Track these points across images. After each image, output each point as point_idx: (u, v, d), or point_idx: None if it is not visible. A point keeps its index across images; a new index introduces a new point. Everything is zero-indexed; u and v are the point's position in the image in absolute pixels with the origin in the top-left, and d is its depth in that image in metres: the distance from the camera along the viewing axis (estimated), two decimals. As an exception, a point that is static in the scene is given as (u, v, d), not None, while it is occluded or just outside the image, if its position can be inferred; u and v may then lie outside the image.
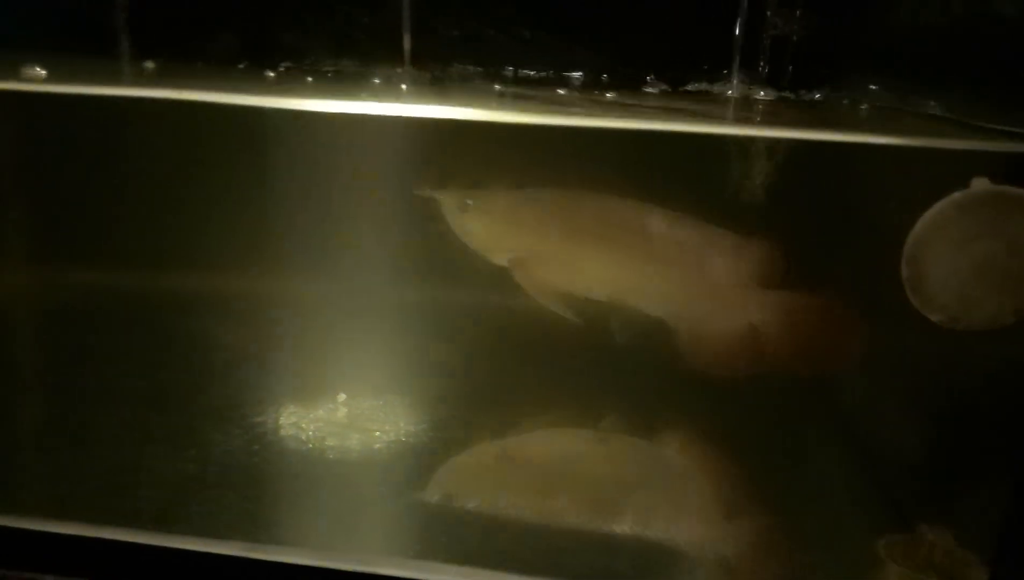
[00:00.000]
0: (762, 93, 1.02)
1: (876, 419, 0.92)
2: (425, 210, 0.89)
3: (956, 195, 0.63)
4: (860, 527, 0.80)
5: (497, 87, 0.98)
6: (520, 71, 1.04)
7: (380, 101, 0.88)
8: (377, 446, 0.89)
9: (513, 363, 1.04)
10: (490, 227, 0.88)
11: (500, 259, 0.89)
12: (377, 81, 1.00)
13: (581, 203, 0.89)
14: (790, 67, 1.03)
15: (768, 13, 1.04)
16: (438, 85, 1.00)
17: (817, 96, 1.02)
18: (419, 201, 0.90)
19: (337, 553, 0.69)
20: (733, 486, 0.85)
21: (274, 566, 0.68)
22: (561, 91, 0.98)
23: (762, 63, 1.04)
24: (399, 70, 1.03)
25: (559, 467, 0.90)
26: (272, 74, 1.00)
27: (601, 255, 0.87)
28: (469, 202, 0.87)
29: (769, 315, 0.84)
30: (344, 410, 0.96)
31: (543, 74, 1.04)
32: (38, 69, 0.85)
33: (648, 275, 0.87)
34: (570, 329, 1.01)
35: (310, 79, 0.99)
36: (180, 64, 1.04)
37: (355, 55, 1.08)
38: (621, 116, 0.84)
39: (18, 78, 0.84)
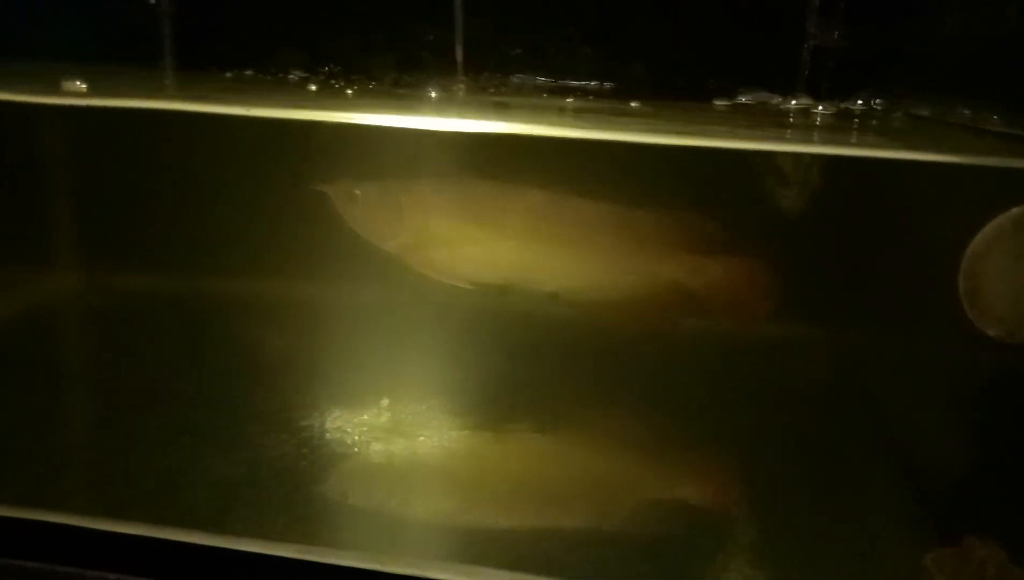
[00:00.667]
0: (793, 102, 1.02)
1: (923, 430, 0.92)
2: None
3: (1014, 210, 0.63)
4: (908, 541, 0.79)
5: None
6: (563, 81, 1.05)
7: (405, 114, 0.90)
8: (422, 451, 0.90)
9: (556, 369, 1.05)
10: (378, 216, 0.93)
11: (391, 246, 0.93)
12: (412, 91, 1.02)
13: (463, 189, 0.95)
14: (829, 77, 1.04)
15: (808, 23, 1.04)
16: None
17: (856, 105, 1.02)
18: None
19: (386, 556, 0.70)
20: (775, 500, 0.85)
21: (326, 568, 0.69)
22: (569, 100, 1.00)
23: (802, 73, 1.04)
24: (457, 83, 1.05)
25: (602, 472, 0.90)
26: (314, 87, 1.01)
27: (486, 237, 0.93)
28: (357, 193, 0.92)
29: (667, 281, 0.92)
30: (388, 415, 0.97)
31: (584, 83, 1.05)
32: (79, 83, 0.87)
33: (536, 253, 0.93)
34: (616, 336, 1.02)
35: (350, 91, 1.00)
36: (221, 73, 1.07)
37: (405, 67, 1.09)
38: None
39: (60, 92, 0.87)
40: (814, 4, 1.04)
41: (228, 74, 1.06)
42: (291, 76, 1.07)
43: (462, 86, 1.04)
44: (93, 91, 0.87)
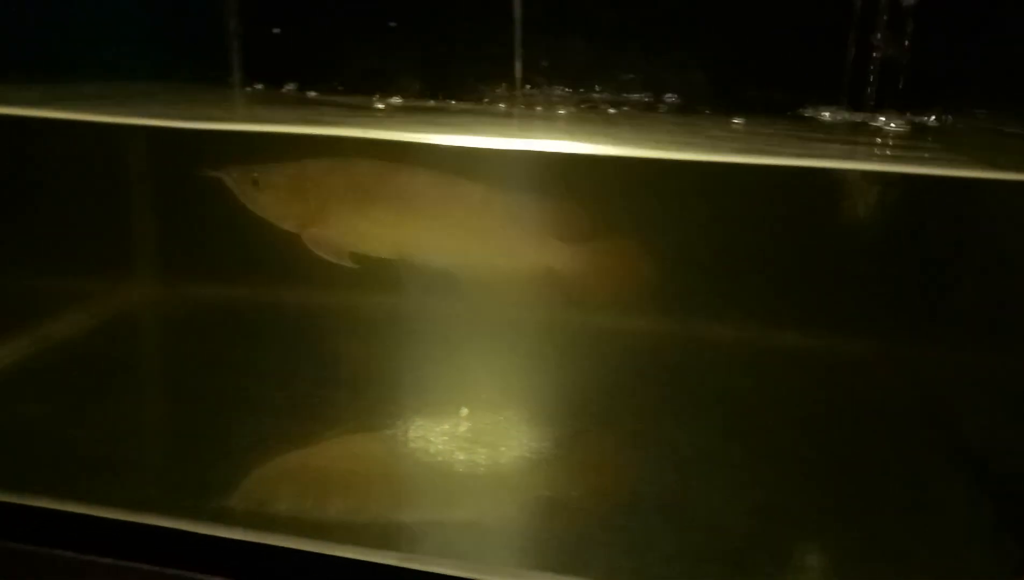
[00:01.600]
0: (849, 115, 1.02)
1: (1009, 453, 0.91)
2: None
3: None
4: (995, 569, 0.78)
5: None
6: (626, 94, 1.06)
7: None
8: (503, 460, 0.91)
9: (631, 382, 1.06)
10: (278, 198, 0.97)
11: (291, 226, 0.98)
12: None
13: (358, 170, 0.99)
14: (898, 91, 1.04)
15: (876, 36, 1.04)
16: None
17: (929, 120, 1.02)
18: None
19: (483, 565, 0.72)
20: (856, 520, 0.85)
21: (427, 576, 0.70)
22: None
23: (870, 87, 1.04)
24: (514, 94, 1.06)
25: (680, 485, 0.91)
26: (382, 106, 1.03)
27: (381, 216, 0.99)
28: (256, 176, 0.96)
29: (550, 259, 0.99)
30: (467, 424, 0.98)
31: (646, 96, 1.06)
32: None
33: (427, 231, 0.99)
34: (692, 349, 1.03)
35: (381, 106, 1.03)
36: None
37: (464, 81, 1.11)
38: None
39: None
40: (883, 19, 1.04)
41: (289, 86, 1.09)
42: (356, 93, 1.10)
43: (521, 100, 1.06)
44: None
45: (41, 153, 1.12)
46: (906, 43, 1.03)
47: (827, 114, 1.01)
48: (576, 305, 1.04)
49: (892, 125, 0.98)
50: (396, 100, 1.03)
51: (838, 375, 1.09)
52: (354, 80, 1.14)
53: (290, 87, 1.09)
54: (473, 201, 1.00)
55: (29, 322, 1.11)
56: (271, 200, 0.97)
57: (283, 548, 0.73)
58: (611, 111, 1.02)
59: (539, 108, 1.04)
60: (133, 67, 1.18)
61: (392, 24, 1.11)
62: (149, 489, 0.83)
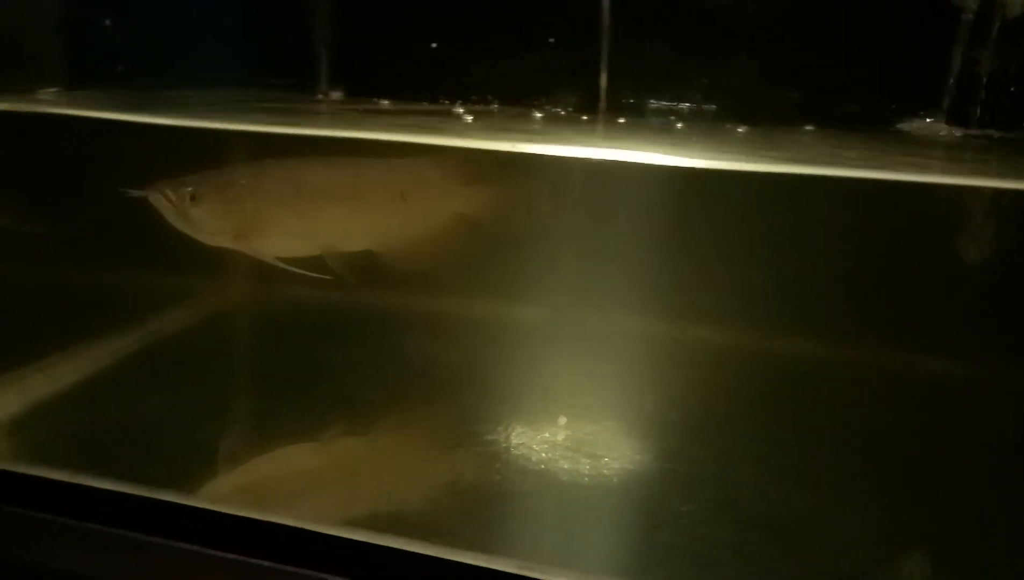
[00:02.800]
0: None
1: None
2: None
3: None
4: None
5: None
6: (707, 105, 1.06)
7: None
8: (606, 471, 0.91)
9: (724, 394, 1.05)
10: (215, 211, 0.93)
11: (226, 240, 0.94)
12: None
13: (276, 171, 0.98)
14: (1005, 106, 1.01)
15: (960, 50, 1.02)
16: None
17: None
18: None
19: (593, 577, 0.71)
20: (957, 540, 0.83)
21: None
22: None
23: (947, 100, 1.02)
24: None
25: (780, 500, 0.90)
26: (466, 114, 1.04)
27: (306, 212, 0.99)
28: (191, 190, 0.91)
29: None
30: (566, 433, 0.98)
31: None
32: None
33: (347, 218, 1.00)
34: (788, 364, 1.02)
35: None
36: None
37: (550, 92, 1.11)
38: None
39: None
40: (992, 29, 1.02)
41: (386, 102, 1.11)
42: (442, 103, 1.11)
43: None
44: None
45: (146, 156, 1.14)
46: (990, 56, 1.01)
47: (904, 126, 0.99)
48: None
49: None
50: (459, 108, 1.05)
51: (938, 393, 1.07)
52: (441, 90, 1.15)
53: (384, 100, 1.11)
54: (377, 175, 1.03)
55: (136, 318, 1.14)
56: (209, 214, 0.92)
57: (395, 549, 0.74)
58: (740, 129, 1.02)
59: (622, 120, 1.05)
60: (222, 74, 1.21)
61: (479, 35, 1.12)
62: (253, 484, 0.85)
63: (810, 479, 0.92)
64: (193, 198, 0.90)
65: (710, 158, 0.89)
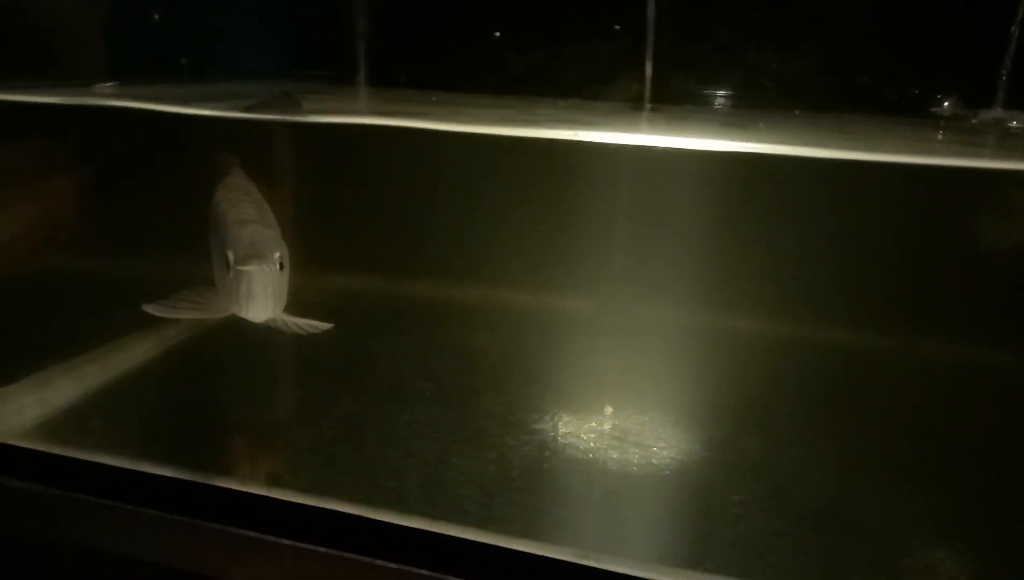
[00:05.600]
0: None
1: None
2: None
3: None
4: None
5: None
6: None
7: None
8: (655, 461, 0.91)
9: (769, 386, 1.05)
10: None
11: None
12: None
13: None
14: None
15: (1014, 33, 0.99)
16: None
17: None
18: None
19: (648, 565, 0.72)
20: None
21: (606, 575, 0.70)
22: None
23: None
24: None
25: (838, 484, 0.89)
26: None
27: None
28: (278, 256, 0.73)
29: None
30: (613, 422, 0.99)
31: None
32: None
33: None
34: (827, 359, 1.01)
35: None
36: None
37: (593, 81, 1.10)
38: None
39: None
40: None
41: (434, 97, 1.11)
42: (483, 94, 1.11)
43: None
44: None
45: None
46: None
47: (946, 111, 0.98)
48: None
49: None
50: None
51: (985, 383, 1.05)
52: (479, 80, 1.15)
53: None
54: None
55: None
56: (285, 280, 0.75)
57: (447, 536, 0.75)
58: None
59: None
60: (264, 67, 1.22)
61: (517, 26, 1.12)
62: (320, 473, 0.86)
63: (858, 468, 0.92)
64: (281, 266, 0.72)
65: (766, 143, 0.88)
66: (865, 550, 0.78)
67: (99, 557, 0.80)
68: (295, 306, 0.76)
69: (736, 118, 1.02)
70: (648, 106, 1.05)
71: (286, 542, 0.74)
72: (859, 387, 1.03)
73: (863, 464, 0.93)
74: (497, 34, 1.12)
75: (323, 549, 0.73)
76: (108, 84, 1.06)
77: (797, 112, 1.04)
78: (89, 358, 1.04)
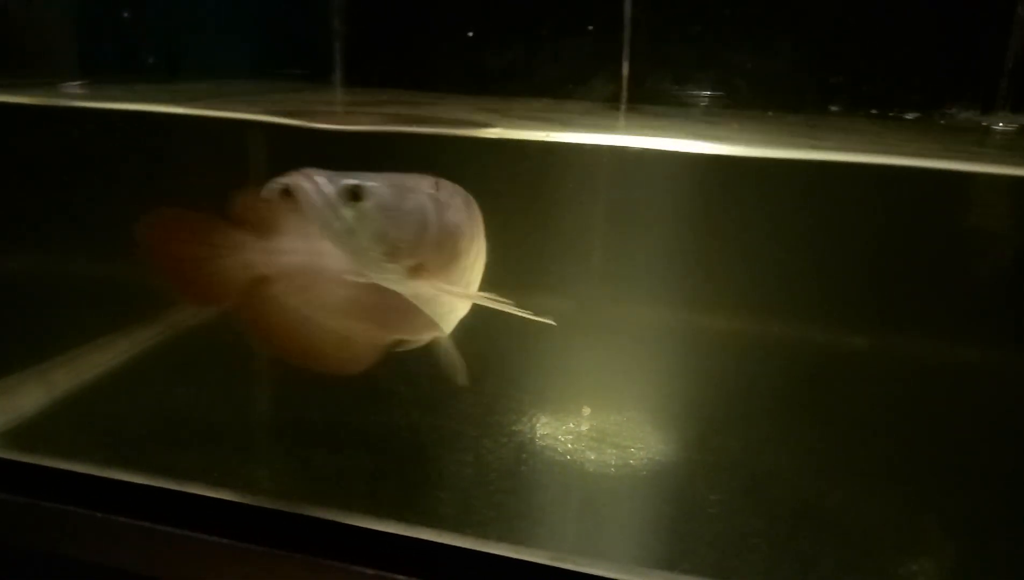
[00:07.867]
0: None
1: None
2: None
3: None
4: None
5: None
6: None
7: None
8: (632, 461, 0.91)
9: (747, 386, 1.05)
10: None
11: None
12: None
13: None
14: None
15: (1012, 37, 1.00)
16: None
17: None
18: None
19: (625, 567, 0.72)
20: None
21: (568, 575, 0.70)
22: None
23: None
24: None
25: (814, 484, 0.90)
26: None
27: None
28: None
29: None
30: (590, 423, 0.98)
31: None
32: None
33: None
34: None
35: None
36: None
37: (568, 81, 1.10)
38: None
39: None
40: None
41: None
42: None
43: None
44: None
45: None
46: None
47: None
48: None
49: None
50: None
51: (963, 381, 1.06)
52: (455, 80, 1.15)
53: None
54: None
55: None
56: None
57: (425, 541, 0.74)
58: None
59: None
60: (237, 66, 1.20)
61: (493, 26, 1.11)
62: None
63: (835, 467, 0.92)
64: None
65: (738, 145, 0.89)
66: (842, 548, 0.78)
67: (73, 566, 0.78)
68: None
69: (713, 117, 1.02)
70: (623, 106, 1.04)
71: (260, 549, 0.73)
72: (836, 386, 1.04)
73: (840, 463, 0.93)
74: (470, 34, 1.12)
75: (298, 555, 0.73)
76: (76, 83, 1.04)
77: (770, 113, 1.04)
78: (59, 362, 1.02)
